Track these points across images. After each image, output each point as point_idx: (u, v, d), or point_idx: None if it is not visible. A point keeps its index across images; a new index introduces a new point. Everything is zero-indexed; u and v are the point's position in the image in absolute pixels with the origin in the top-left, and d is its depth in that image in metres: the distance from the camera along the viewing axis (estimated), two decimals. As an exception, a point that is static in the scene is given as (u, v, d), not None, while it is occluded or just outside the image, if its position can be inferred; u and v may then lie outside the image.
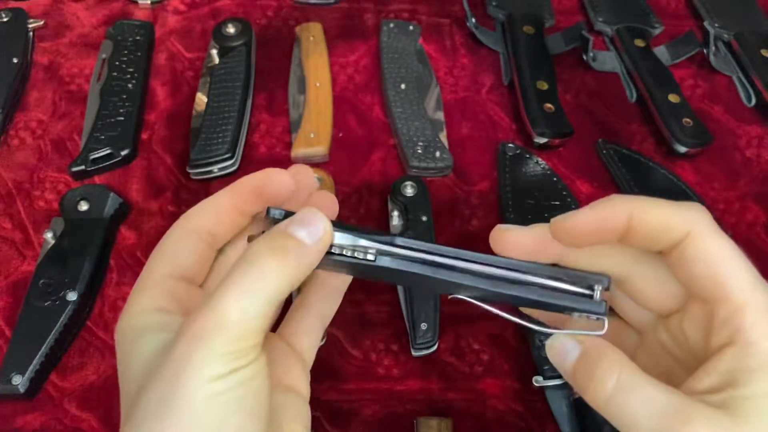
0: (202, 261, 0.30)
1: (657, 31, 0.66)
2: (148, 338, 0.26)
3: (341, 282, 0.33)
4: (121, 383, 0.26)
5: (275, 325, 0.33)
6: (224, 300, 0.24)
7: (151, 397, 0.23)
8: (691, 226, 0.25)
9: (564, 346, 0.26)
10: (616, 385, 0.24)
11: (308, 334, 0.32)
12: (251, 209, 0.30)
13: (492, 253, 0.28)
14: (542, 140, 0.57)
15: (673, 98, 0.59)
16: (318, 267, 0.27)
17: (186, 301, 0.28)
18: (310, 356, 0.32)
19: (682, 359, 0.28)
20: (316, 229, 0.26)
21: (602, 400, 0.24)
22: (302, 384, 0.31)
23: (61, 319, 0.44)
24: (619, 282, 0.29)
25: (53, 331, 0.44)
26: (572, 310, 0.27)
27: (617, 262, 0.28)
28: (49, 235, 0.48)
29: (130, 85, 0.57)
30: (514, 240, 0.28)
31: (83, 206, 0.49)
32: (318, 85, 0.59)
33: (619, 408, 0.24)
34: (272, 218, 0.28)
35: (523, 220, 0.52)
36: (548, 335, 0.27)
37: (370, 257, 0.27)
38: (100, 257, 0.48)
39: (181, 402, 0.23)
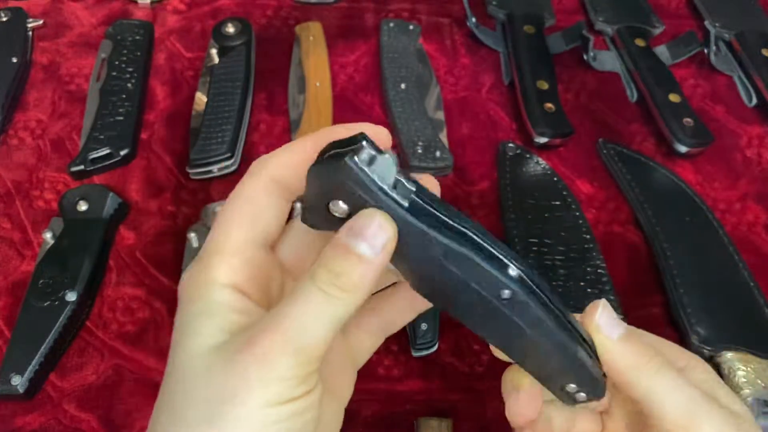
0: (282, 221, 0.27)
1: (657, 31, 0.66)
2: (213, 323, 0.24)
3: (423, 303, 0.30)
4: (174, 346, 0.24)
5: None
6: (292, 321, 0.23)
7: (201, 404, 0.23)
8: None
9: (615, 319, 0.28)
10: (665, 362, 0.27)
11: (371, 336, 0.31)
12: None
13: None
14: (542, 140, 0.57)
15: (673, 98, 0.59)
16: None
17: (265, 276, 0.26)
18: (363, 359, 0.31)
19: None
20: (379, 239, 0.23)
21: (656, 367, 0.27)
22: (347, 391, 0.29)
23: (61, 319, 0.44)
24: None
25: (52, 332, 0.44)
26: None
27: None
28: (48, 235, 0.48)
29: (129, 85, 0.57)
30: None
31: (82, 206, 0.49)
32: (318, 84, 0.58)
33: (672, 375, 0.27)
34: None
35: (523, 219, 0.52)
36: None
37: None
38: (100, 257, 0.48)
39: (231, 421, 0.22)
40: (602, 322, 0.28)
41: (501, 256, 0.25)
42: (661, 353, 0.28)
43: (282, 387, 0.22)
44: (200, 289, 0.25)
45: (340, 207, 0.24)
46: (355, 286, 0.24)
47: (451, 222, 0.24)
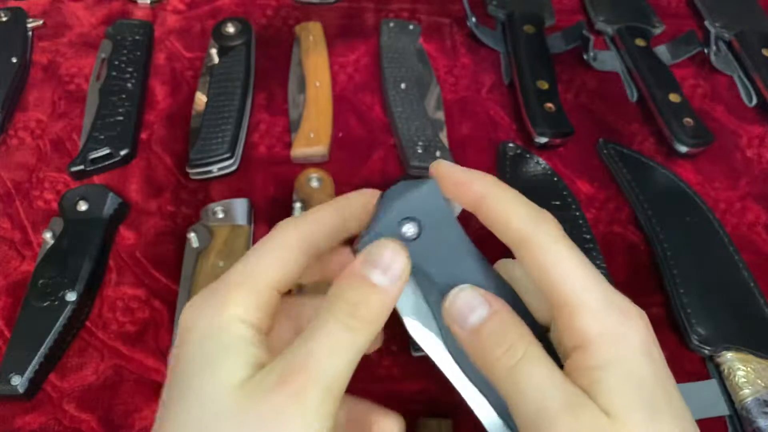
0: (299, 276, 0.27)
1: (658, 31, 0.66)
2: (236, 359, 0.24)
3: None
4: (190, 381, 0.24)
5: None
6: (320, 359, 0.23)
7: None
8: (526, 233, 0.26)
9: (472, 301, 0.26)
10: (525, 356, 0.25)
11: None
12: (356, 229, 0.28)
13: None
14: (543, 140, 0.57)
15: (673, 98, 0.59)
16: None
17: (273, 316, 0.27)
18: None
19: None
20: (394, 268, 0.25)
21: (507, 367, 0.25)
22: None
23: (60, 319, 0.44)
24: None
25: (52, 332, 0.44)
26: None
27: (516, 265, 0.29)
28: (48, 235, 0.48)
29: (129, 85, 0.57)
30: (445, 173, 0.28)
31: (82, 206, 0.49)
32: (318, 84, 0.58)
33: (520, 379, 0.25)
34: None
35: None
36: None
37: None
38: (99, 257, 0.48)
39: None
40: (457, 315, 0.26)
41: None
42: (524, 337, 0.25)
43: (313, 421, 0.23)
44: (219, 322, 0.25)
45: (410, 229, 0.27)
46: (374, 315, 0.25)
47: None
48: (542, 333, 0.27)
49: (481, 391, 0.27)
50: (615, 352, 0.24)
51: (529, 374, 0.25)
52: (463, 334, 0.26)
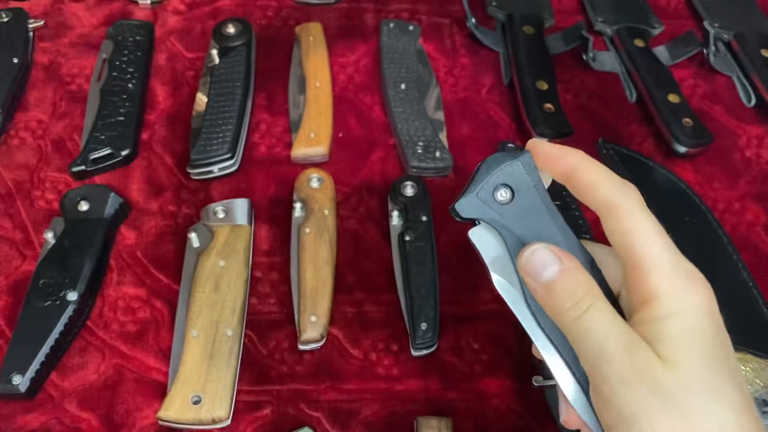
0: None
1: (657, 31, 0.66)
2: None
3: None
4: None
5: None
6: None
7: None
8: (614, 200, 0.29)
9: (545, 258, 0.29)
10: (591, 307, 0.28)
11: None
12: None
13: None
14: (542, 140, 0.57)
15: (672, 98, 0.59)
16: None
17: None
18: None
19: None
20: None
21: (574, 317, 0.28)
22: None
23: (61, 319, 0.44)
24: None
25: (53, 331, 0.44)
26: None
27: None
28: (49, 235, 0.48)
29: (130, 85, 0.57)
30: (542, 148, 0.31)
31: (83, 206, 0.49)
32: (318, 85, 0.59)
33: (585, 326, 0.27)
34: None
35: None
36: None
37: None
38: (101, 257, 0.48)
39: None
40: (532, 270, 0.29)
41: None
42: (592, 292, 0.28)
43: None
44: None
45: (504, 194, 0.30)
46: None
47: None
48: (614, 300, 0.30)
49: (553, 342, 0.30)
50: (678, 306, 0.27)
51: (592, 321, 0.27)
52: (536, 287, 0.29)
